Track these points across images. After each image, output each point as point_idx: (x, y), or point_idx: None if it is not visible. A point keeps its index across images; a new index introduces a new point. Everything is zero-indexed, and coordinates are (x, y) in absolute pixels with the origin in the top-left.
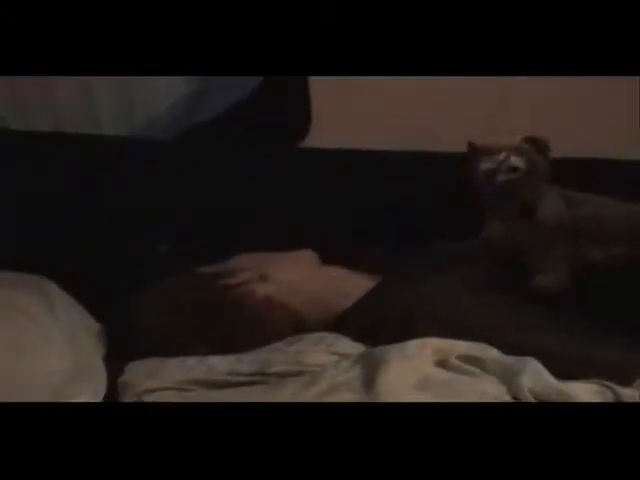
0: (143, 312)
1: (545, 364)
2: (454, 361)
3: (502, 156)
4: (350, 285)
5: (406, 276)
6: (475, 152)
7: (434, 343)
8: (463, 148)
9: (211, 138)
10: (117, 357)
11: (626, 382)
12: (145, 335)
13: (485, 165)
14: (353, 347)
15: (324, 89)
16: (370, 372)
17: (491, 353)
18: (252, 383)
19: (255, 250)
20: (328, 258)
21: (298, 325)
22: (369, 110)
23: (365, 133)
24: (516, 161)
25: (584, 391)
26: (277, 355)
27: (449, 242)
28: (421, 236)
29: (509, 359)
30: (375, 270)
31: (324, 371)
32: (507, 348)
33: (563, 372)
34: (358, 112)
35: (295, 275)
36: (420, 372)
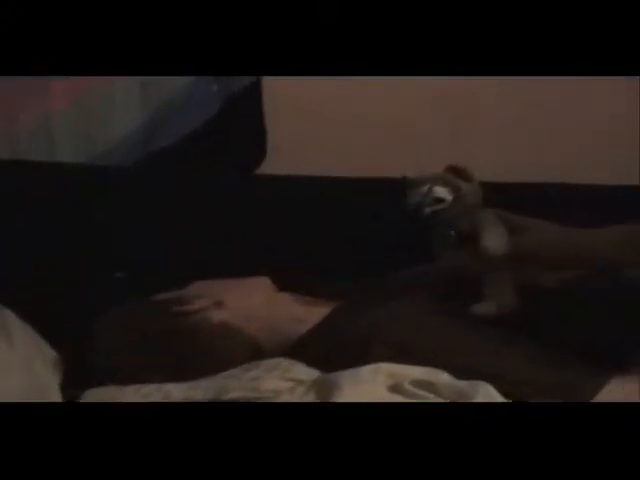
0: (99, 339)
1: (498, 388)
2: (407, 386)
3: (425, 188)
4: (305, 311)
5: (361, 302)
6: (405, 186)
7: (387, 368)
8: None
9: (167, 166)
10: (74, 385)
11: None
12: (101, 363)
13: (411, 199)
14: (308, 373)
15: (280, 116)
16: (324, 398)
17: (444, 378)
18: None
19: (211, 277)
20: (283, 285)
21: (255, 351)
22: (327, 136)
23: (323, 160)
24: (440, 192)
25: None
26: (233, 381)
27: (404, 268)
28: (378, 264)
29: (462, 383)
30: (331, 297)
31: (278, 398)
32: (460, 372)
33: (516, 395)
34: (316, 138)
35: (251, 301)
36: (373, 397)
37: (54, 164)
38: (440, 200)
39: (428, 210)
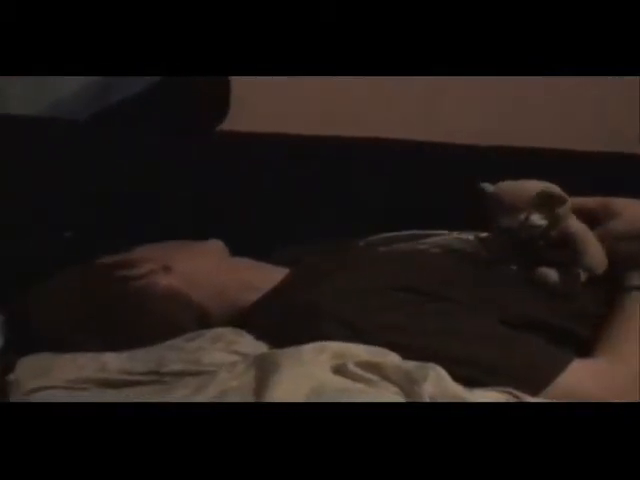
0: (41, 304)
1: (452, 370)
2: (352, 368)
3: (522, 216)
4: (259, 278)
5: (313, 271)
6: (497, 208)
7: (332, 348)
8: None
9: (123, 121)
10: (12, 351)
11: (535, 390)
12: (42, 328)
13: (506, 223)
14: (255, 346)
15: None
16: (262, 378)
17: (392, 359)
18: (148, 382)
19: (162, 239)
20: (238, 250)
21: (202, 319)
22: (291, 93)
23: (287, 116)
24: (536, 220)
25: (489, 400)
26: (174, 353)
27: (367, 236)
28: (339, 231)
29: (410, 365)
30: (287, 263)
31: (217, 375)
32: (410, 353)
33: (469, 379)
34: (280, 94)
35: (200, 267)
36: (314, 379)
37: (4, 116)
38: (536, 227)
39: (525, 235)
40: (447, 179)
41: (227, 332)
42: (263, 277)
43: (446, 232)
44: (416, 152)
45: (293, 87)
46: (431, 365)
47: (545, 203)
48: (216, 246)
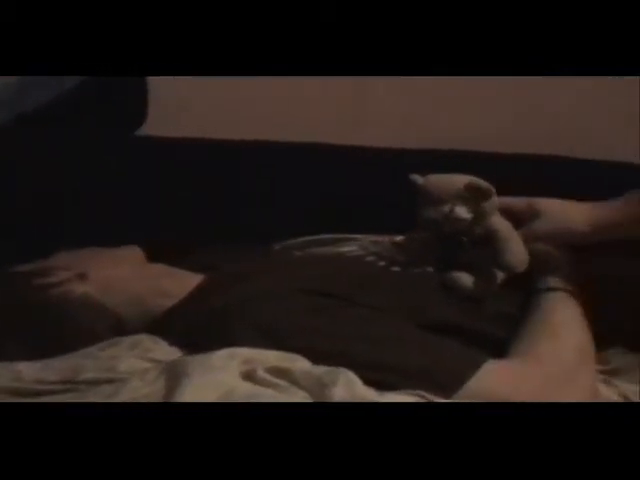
0: None
1: (362, 375)
2: (262, 373)
3: (447, 208)
4: (174, 285)
5: (228, 276)
6: (420, 198)
7: (242, 354)
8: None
9: (42, 124)
10: None
11: (448, 392)
12: None
13: (430, 215)
14: (169, 353)
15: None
16: (171, 385)
17: (302, 364)
18: (62, 391)
19: (80, 246)
20: (155, 256)
21: (117, 326)
22: (212, 95)
23: (207, 121)
24: (461, 212)
25: None
26: (89, 361)
27: (285, 240)
28: (257, 235)
29: (320, 370)
30: (203, 270)
31: (128, 382)
32: (323, 358)
33: (381, 383)
34: (199, 98)
35: (116, 274)
36: (224, 386)
37: None
38: (460, 220)
39: (448, 229)
40: (366, 183)
41: (143, 339)
42: (179, 283)
43: (362, 236)
44: (336, 155)
45: (213, 91)
46: (341, 370)
47: (471, 197)
48: (132, 252)
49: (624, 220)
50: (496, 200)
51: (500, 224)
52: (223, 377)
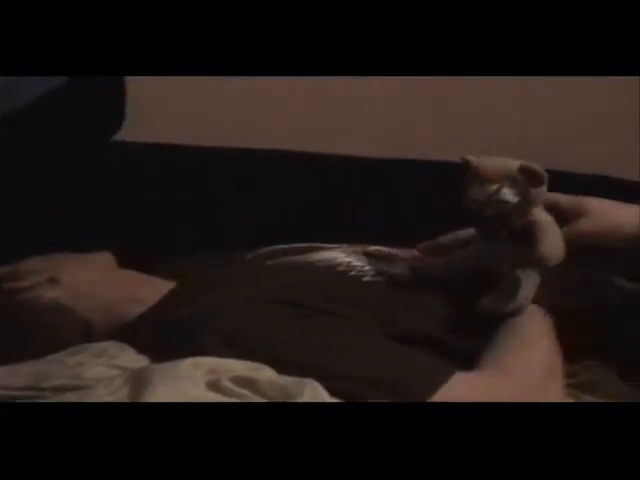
0: None
1: (329, 386)
2: (226, 383)
3: (494, 187)
4: (144, 292)
5: (198, 285)
6: (468, 173)
7: (207, 363)
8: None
9: (17, 130)
10: None
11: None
12: None
13: (474, 195)
14: (136, 360)
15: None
16: (136, 394)
17: (267, 374)
18: (25, 398)
19: (50, 251)
20: (127, 262)
21: (86, 332)
22: (188, 103)
23: (184, 128)
24: (507, 195)
25: None
26: (55, 367)
27: (252, 251)
28: (229, 243)
29: (286, 380)
30: (174, 276)
31: (94, 390)
32: (290, 368)
33: (349, 393)
34: (176, 105)
35: (87, 279)
36: (188, 395)
37: None
38: (505, 202)
39: (490, 211)
40: (341, 192)
41: (110, 346)
42: (149, 290)
43: (335, 245)
44: (310, 163)
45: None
46: (307, 380)
47: (522, 181)
48: (103, 258)
49: None
50: (544, 191)
51: (541, 216)
52: (187, 386)
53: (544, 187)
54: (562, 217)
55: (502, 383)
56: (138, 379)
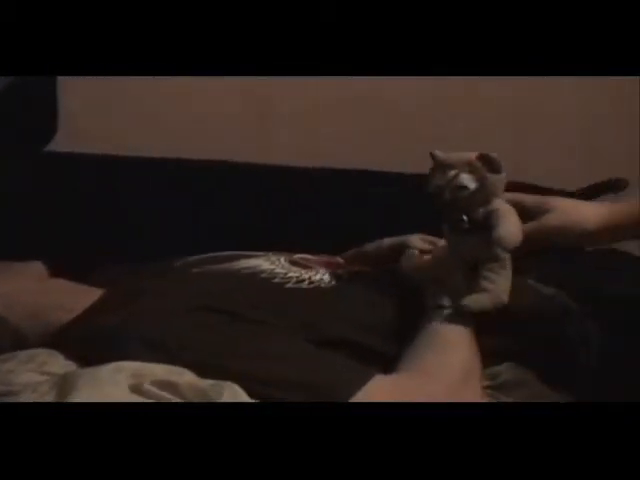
0: None
1: (249, 389)
2: (148, 387)
3: (452, 173)
4: (74, 300)
5: (126, 292)
6: (433, 165)
7: (130, 367)
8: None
9: None
10: None
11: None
12: None
13: (435, 181)
14: (65, 366)
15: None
16: (62, 398)
17: (188, 378)
18: None
19: None
20: (58, 271)
21: (17, 340)
22: (124, 113)
23: (119, 137)
24: (465, 180)
25: None
26: None
27: (180, 259)
28: (162, 251)
29: (206, 384)
30: (104, 285)
31: (21, 394)
32: (211, 372)
33: (268, 396)
34: (112, 115)
35: (17, 287)
36: (112, 399)
37: None
38: (463, 187)
39: (448, 195)
40: (272, 199)
41: (39, 353)
42: (79, 298)
43: (261, 253)
44: (241, 173)
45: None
46: (227, 383)
47: (480, 168)
48: (35, 267)
49: (637, 221)
50: (503, 178)
51: (501, 205)
52: (110, 390)
53: (502, 175)
54: (526, 215)
55: (420, 385)
56: (64, 383)
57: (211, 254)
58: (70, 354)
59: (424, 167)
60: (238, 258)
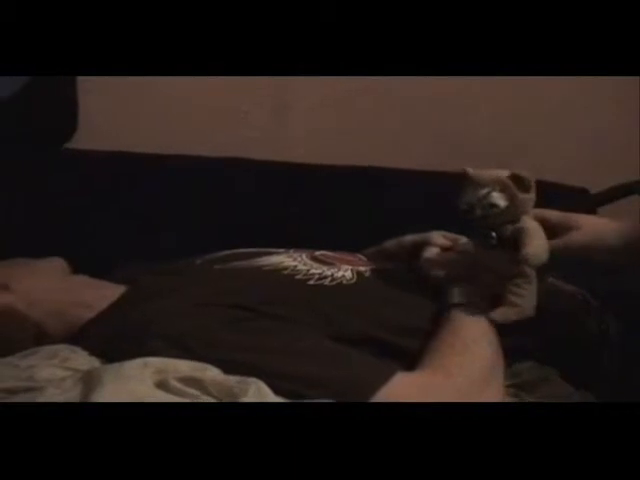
0: None
1: (273, 385)
2: (174, 383)
3: (484, 192)
4: (96, 297)
5: (148, 289)
6: (464, 182)
7: (155, 363)
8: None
9: None
10: None
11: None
12: None
13: (466, 198)
14: (88, 362)
15: (94, 88)
16: (87, 393)
17: (213, 374)
18: None
19: (2, 257)
20: (79, 267)
21: (39, 337)
22: (143, 111)
23: (138, 135)
24: (496, 198)
25: None
26: (7, 369)
27: (201, 256)
28: (182, 249)
29: (231, 380)
30: (125, 282)
31: (45, 390)
32: (235, 368)
33: (291, 393)
34: (130, 113)
35: (39, 285)
36: (137, 394)
37: None
38: (494, 205)
39: (479, 213)
40: (287, 198)
41: (62, 349)
42: (100, 295)
43: (282, 250)
44: (258, 170)
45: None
46: (252, 380)
47: (511, 187)
48: (56, 264)
49: None
50: (533, 198)
51: (530, 223)
52: (136, 386)
53: (532, 194)
54: (551, 232)
55: (442, 384)
56: (89, 379)
57: (232, 251)
58: (93, 351)
59: (444, 165)
60: (259, 255)
